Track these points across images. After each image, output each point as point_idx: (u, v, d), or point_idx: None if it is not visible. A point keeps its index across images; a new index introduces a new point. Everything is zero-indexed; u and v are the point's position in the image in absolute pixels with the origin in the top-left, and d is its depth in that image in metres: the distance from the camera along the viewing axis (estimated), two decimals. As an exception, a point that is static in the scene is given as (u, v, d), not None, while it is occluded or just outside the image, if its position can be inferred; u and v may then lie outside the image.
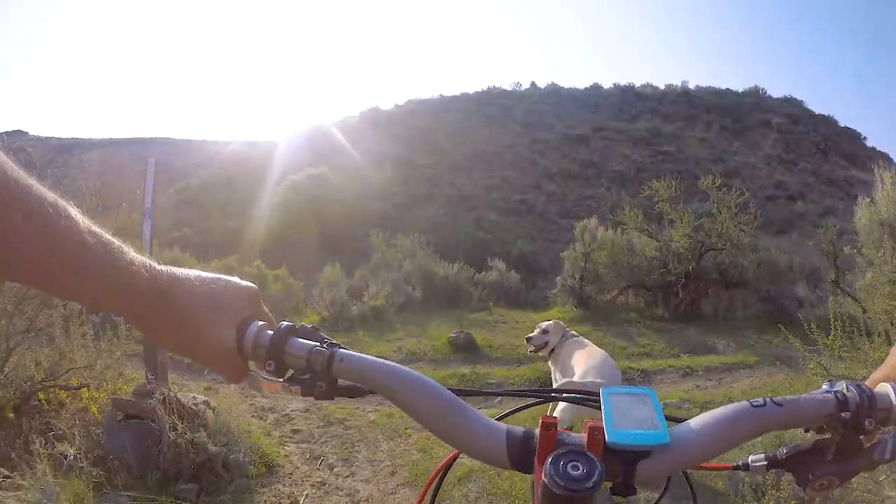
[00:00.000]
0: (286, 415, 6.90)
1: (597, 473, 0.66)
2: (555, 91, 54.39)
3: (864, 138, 52.51)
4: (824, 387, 0.83)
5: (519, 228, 28.45)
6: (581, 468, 0.66)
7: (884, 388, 0.81)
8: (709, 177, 12.86)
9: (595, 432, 0.73)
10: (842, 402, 0.78)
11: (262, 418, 6.73)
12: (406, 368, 0.83)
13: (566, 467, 0.66)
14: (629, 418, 0.75)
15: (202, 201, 33.46)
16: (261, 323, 0.88)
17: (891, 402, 0.79)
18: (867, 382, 0.84)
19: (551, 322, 6.10)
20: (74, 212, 0.68)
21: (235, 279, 0.90)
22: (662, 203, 13.21)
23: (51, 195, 0.65)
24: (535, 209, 30.86)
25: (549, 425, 0.74)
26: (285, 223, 26.23)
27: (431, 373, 8.28)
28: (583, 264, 13.34)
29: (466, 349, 9.94)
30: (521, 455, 0.76)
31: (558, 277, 13.88)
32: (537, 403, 1.04)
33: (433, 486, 1.00)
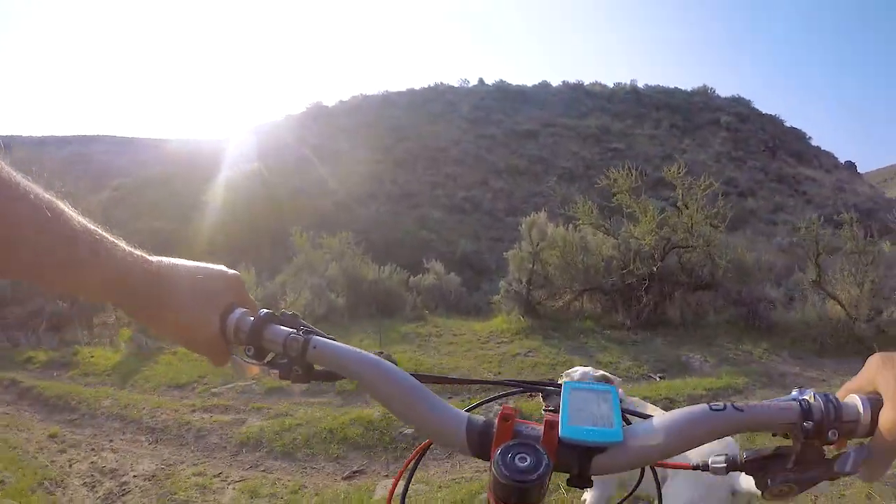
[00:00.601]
0: (124, 483, 4.98)
1: (543, 466, 0.67)
2: (502, 88, 53.32)
3: (810, 137, 53.52)
4: (793, 393, 0.82)
5: (464, 227, 27.52)
6: (528, 460, 0.68)
7: (852, 399, 0.78)
8: (673, 165, 11.28)
9: (550, 426, 0.75)
10: (805, 411, 0.77)
11: (93, 487, 5.09)
12: (375, 356, 0.85)
13: (514, 458, 0.68)
14: (585, 414, 0.77)
15: (135, 201, 31.62)
16: (243, 310, 0.91)
17: (858, 414, 0.76)
18: (839, 392, 0.81)
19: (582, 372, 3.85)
20: (68, 209, 0.74)
21: (221, 267, 0.94)
22: (621, 195, 11.54)
23: (45, 195, 0.70)
24: (482, 206, 29.69)
25: (508, 416, 0.76)
26: (216, 223, 25.05)
27: (332, 413, 6.75)
28: (530, 265, 11.51)
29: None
30: (480, 443, 0.77)
31: (502, 282, 12.04)
32: (504, 395, 1.05)
33: (406, 472, 1.02)
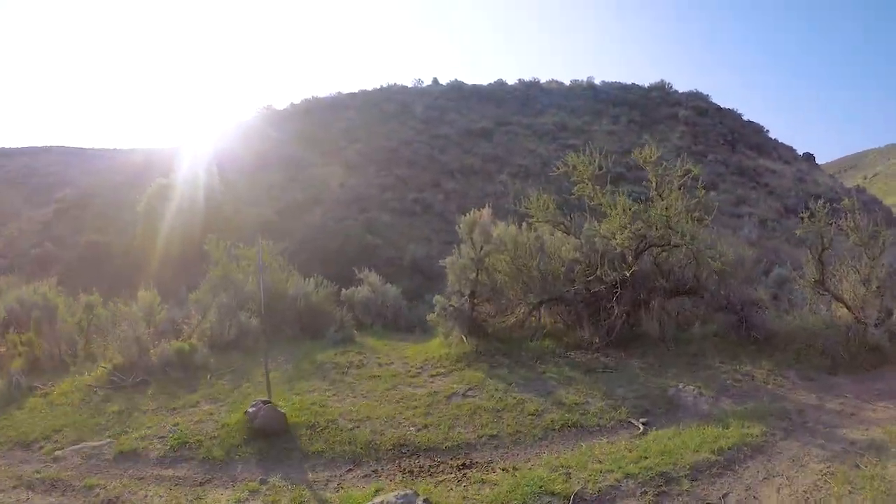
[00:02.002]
0: None
1: None
2: (457, 87, 51.68)
3: (767, 131, 52.79)
4: None
5: (414, 230, 26.09)
6: None
7: None
8: (645, 148, 9.40)
9: None
10: None
11: None
12: None
13: None
14: None
15: (78, 214, 30.91)
16: None
17: None
18: None
19: None
20: None
21: None
22: (583, 185, 9.53)
23: None
24: (433, 208, 28.00)
25: None
26: (148, 235, 23.88)
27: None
28: (473, 275, 9.36)
29: (269, 436, 6.00)
30: None
31: (437, 297, 9.84)
32: None
33: None
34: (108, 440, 6.24)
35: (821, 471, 4.81)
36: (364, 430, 6.07)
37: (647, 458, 5.02)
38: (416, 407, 6.68)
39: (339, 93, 50.02)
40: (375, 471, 5.27)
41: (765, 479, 4.74)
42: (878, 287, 8.89)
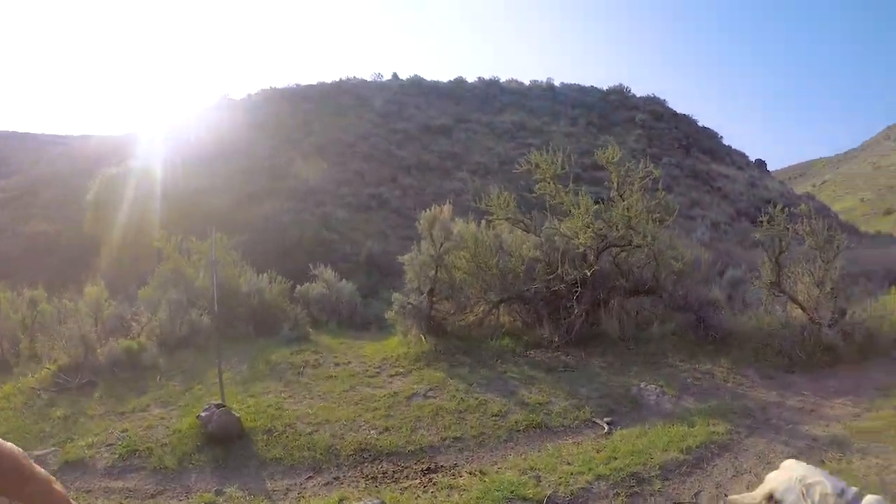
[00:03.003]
0: None
1: None
2: (417, 83, 51.70)
3: (721, 137, 54.45)
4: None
5: (370, 226, 25.73)
6: None
7: None
8: (608, 148, 9.37)
9: None
10: None
11: None
12: None
13: None
14: None
15: (28, 201, 30.09)
16: None
17: None
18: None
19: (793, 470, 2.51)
20: None
21: None
22: (545, 183, 9.43)
23: None
24: (389, 204, 27.74)
25: None
26: (98, 226, 23.01)
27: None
28: (433, 272, 9.19)
29: (224, 442, 5.69)
30: None
31: (395, 294, 9.64)
32: None
33: None
34: (53, 448, 5.85)
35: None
36: (323, 434, 5.83)
37: (616, 458, 4.94)
38: (377, 409, 6.46)
39: (298, 84, 49.78)
40: (337, 478, 5.05)
41: (734, 476, 4.72)
42: (832, 289, 9.02)
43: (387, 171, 31.78)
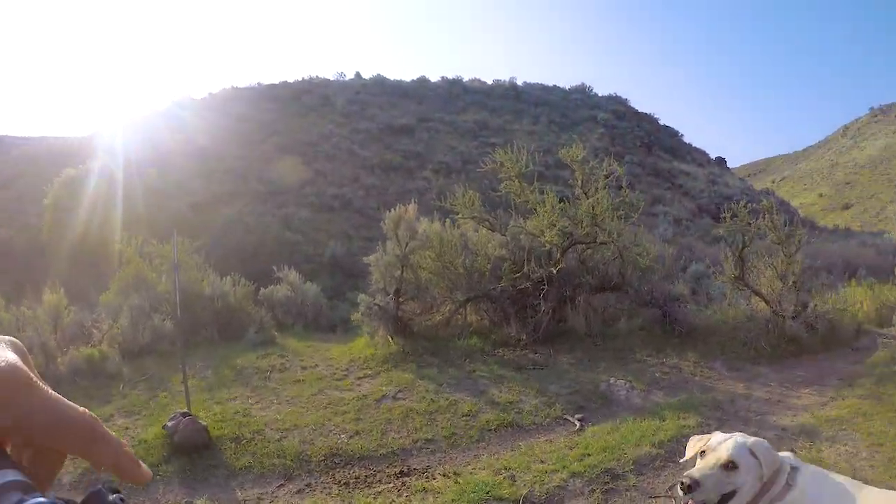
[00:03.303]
0: None
1: None
2: (380, 82, 51.33)
3: (682, 135, 54.94)
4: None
5: (333, 226, 25.48)
6: None
7: None
8: (572, 146, 9.37)
9: None
10: None
11: None
12: None
13: None
14: None
15: None
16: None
17: None
18: None
19: (739, 441, 2.57)
20: None
21: None
22: (510, 182, 9.40)
23: None
24: (352, 204, 27.45)
25: None
26: (56, 231, 21.98)
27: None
28: (399, 272, 9.09)
29: (191, 452, 5.50)
30: None
31: (361, 295, 9.51)
32: None
33: None
34: (12, 464, 5.60)
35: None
36: (293, 440, 5.70)
37: (589, 455, 4.92)
38: (346, 412, 6.36)
39: (260, 83, 49.30)
40: (309, 484, 4.92)
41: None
42: (794, 282, 9.22)
43: (349, 170, 31.54)
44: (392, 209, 9.34)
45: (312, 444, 5.62)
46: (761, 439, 2.53)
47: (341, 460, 5.34)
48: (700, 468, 2.48)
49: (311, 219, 25.73)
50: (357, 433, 5.84)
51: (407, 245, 8.97)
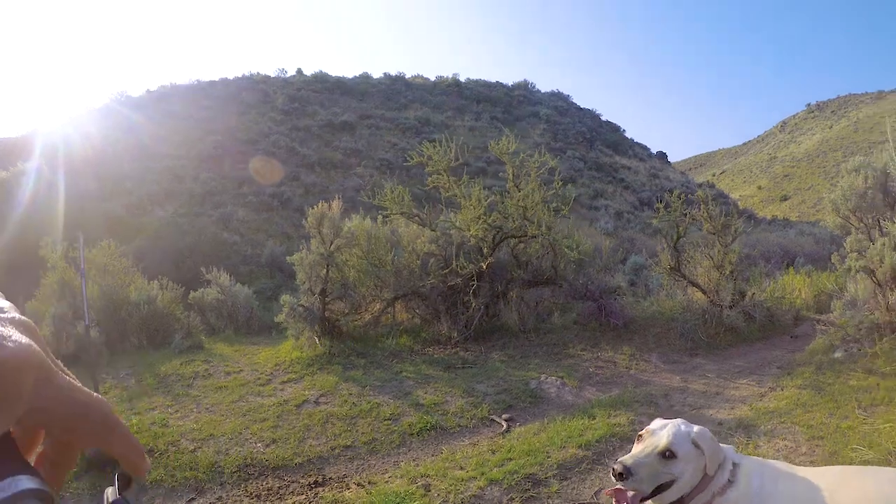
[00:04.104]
0: None
1: None
2: (321, 78, 50.74)
3: (624, 130, 56.25)
4: None
5: (271, 226, 25.00)
6: None
7: None
8: (502, 139, 9.13)
9: None
10: None
11: None
12: None
13: None
14: None
15: None
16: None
17: None
18: None
19: (682, 429, 2.36)
20: None
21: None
22: (439, 176, 9.10)
23: None
24: (292, 203, 26.77)
25: None
26: None
27: None
28: (324, 271, 8.69)
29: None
30: None
31: (284, 296, 9.03)
32: None
33: None
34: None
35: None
36: (207, 450, 5.31)
37: (511, 459, 4.64)
38: (265, 419, 5.99)
39: (199, 80, 48.29)
40: (220, 498, 4.56)
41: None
42: (731, 272, 9.21)
43: (289, 169, 30.92)
44: (315, 206, 8.96)
45: (227, 455, 5.24)
46: (705, 429, 2.34)
47: (255, 471, 4.98)
48: (634, 454, 2.25)
49: (249, 218, 25.21)
50: (274, 441, 5.49)
51: (332, 243, 8.59)
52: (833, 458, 4.14)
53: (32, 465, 0.49)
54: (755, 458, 2.29)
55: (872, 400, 5.28)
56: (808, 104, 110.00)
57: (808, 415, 5.16)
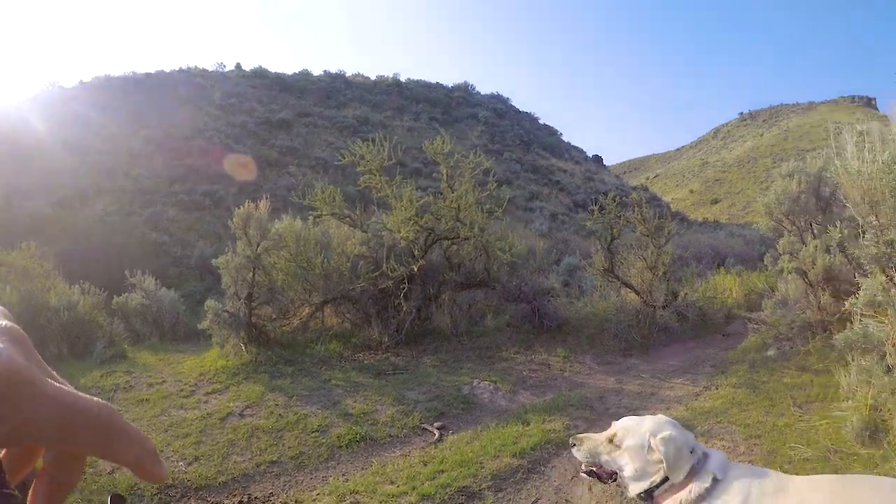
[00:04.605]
0: None
1: None
2: (261, 74, 49.88)
3: (561, 134, 57.19)
4: None
5: (203, 226, 24.07)
6: None
7: None
8: (436, 139, 8.97)
9: None
10: None
11: None
12: None
13: None
14: None
15: None
16: None
17: None
18: None
19: (646, 425, 2.33)
20: None
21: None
22: (371, 176, 8.88)
23: None
24: (225, 202, 25.79)
25: None
26: None
27: None
28: (250, 274, 8.35)
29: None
30: None
31: (209, 301, 8.59)
32: None
33: None
34: None
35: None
36: (126, 471, 4.90)
37: (444, 471, 4.46)
38: (188, 434, 5.64)
39: (134, 72, 46.37)
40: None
41: (574, 477, 4.32)
42: (664, 272, 9.33)
43: (222, 166, 30.05)
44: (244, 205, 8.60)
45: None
46: (673, 435, 2.23)
47: (177, 493, 4.68)
48: (593, 434, 2.39)
49: (180, 218, 24.31)
50: (197, 459, 5.16)
51: (259, 245, 8.25)
52: (771, 457, 4.12)
53: (32, 483, 0.51)
54: (749, 471, 2.16)
55: (807, 397, 5.30)
56: (741, 113, 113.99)
57: (744, 413, 5.16)
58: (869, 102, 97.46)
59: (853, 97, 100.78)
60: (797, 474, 3.64)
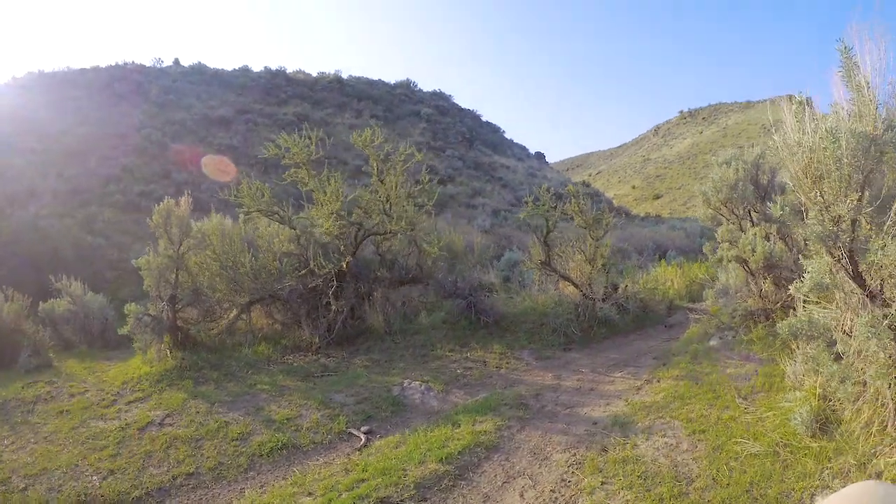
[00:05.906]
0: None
1: None
2: (199, 69, 48.90)
3: (504, 131, 57.74)
4: None
5: (140, 228, 22.93)
6: None
7: None
8: (365, 131, 8.73)
9: None
10: None
11: None
12: None
13: None
14: None
15: None
16: None
17: None
18: None
19: None
20: None
21: None
22: (298, 170, 8.61)
23: None
24: (162, 202, 24.82)
25: None
26: None
27: None
28: (173, 275, 7.97)
29: None
30: None
31: (128, 305, 8.14)
32: None
33: None
34: None
35: (566, 461, 4.32)
36: (39, 487, 4.62)
37: (365, 480, 4.23)
38: (105, 447, 5.31)
39: (69, 68, 44.80)
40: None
41: (505, 482, 4.15)
42: (603, 265, 9.30)
43: (159, 165, 29.32)
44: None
45: (60, 492, 4.59)
46: None
47: (91, 509, 4.33)
48: None
49: (115, 220, 23.40)
50: (112, 472, 4.85)
51: (181, 244, 7.86)
52: (716, 454, 3.94)
53: None
54: None
55: (752, 388, 5.13)
56: (681, 111, 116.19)
57: (686, 407, 4.98)
58: (807, 101, 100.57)
59: (791, 96, 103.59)
60: (745, 471, 3.52)
